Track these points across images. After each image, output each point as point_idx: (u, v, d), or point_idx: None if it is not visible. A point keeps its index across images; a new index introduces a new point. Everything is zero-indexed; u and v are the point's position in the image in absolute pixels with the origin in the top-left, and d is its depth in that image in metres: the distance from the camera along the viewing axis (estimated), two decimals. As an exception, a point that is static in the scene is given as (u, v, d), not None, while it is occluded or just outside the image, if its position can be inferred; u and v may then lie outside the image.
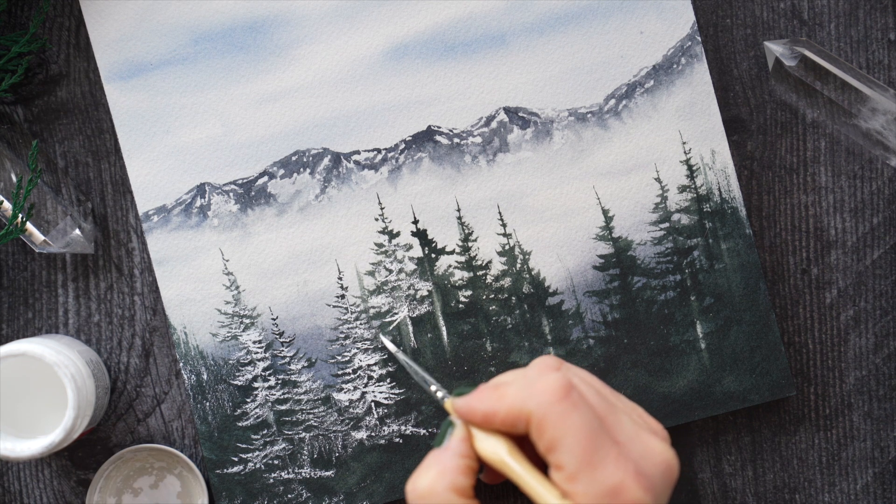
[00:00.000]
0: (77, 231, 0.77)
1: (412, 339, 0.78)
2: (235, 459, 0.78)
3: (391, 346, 0.72)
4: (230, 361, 0.78)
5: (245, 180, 0.79)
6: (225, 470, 0.78)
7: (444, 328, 0.78)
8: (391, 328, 0.78)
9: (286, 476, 0.78)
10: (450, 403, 0.63)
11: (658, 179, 0.79)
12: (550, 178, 0.79)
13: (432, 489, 0.58)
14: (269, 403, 0.78)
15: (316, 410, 0.78)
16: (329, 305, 0.78)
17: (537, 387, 0.57)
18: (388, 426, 0.78)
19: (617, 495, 0.55)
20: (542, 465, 0.62)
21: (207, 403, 0.78)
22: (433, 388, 0.68)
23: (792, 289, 0.81)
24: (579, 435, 0.55)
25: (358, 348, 0.78)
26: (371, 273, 0.78)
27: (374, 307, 0.78)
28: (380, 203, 0.79)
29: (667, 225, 0.79)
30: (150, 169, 0.78)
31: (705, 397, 0.78)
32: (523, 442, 0.61)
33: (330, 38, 0.78)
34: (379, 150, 0.79)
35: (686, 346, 0.78)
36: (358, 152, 0.79)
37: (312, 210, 0.79)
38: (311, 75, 0.78)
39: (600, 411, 0.58)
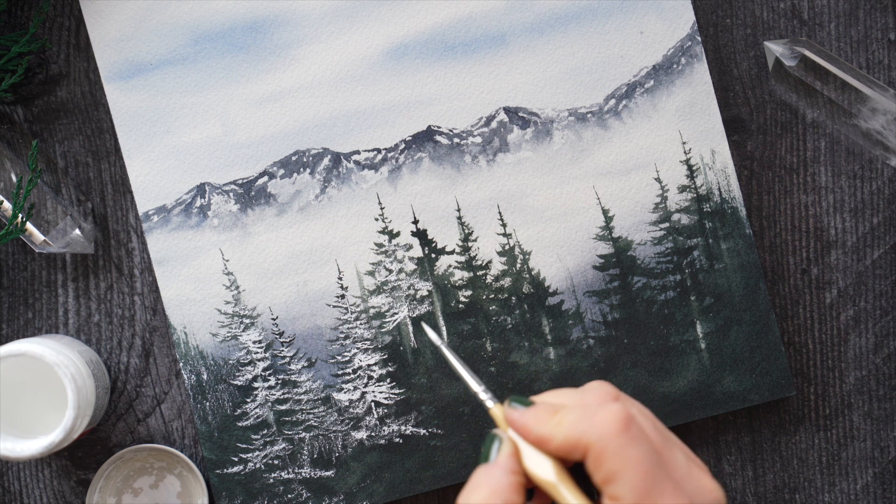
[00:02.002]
0: (77, 231, 0.77)
1: (412, 339, 0.78)
2: (235, 459, 0.78)
3: (434, 337, 0.69)
4: (230, 361, 0.78)
5: (245, 180, 0.79)
6: (225, 470, 0.78)
7: (444, 328, 0.78)
8: (391, 328, 0.78)
9: (286, 476, 0.78)
10: (498, 411, 0.61)
11: (658, 179, 0.79)
12: (550, 178, 0.79)
13: None
14: (269, 403, 0.78)
15: (316, 410, 0.78)
16: (329, 305, 0.78)
17: (598, 417, 0.57)
18: (388, 426, 0.78)
19: None
20: (582, 486, 0.61)
21: (207, 403, 0.78)
22: (479, 388, 0.65)
23: (792, 289, 0.81)
24: (639, 469, 0.55)
25: (358, 348, 0.78)
26: (371, 273, 0.78)
27: (374, 307, 0.78)
28: (380, 203, 0.79)
29: (667, 225, 0.79)
30: (150, 169, 0.78)
31: (705, 397, 0.78)
32: (568, 462, 0.61)
33: (330, 38, 0.78)
34: (379, 150, 0.79)
35: (686, 346, 0.78)
36: (358, 152, 0.79)
37: (312, 210, 0.79)
38: (311, 75, 0.78)
39: (657, 445, 0.58)
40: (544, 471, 0.58)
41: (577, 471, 0.61)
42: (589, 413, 0.57)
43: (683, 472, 0.57)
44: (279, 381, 0.78)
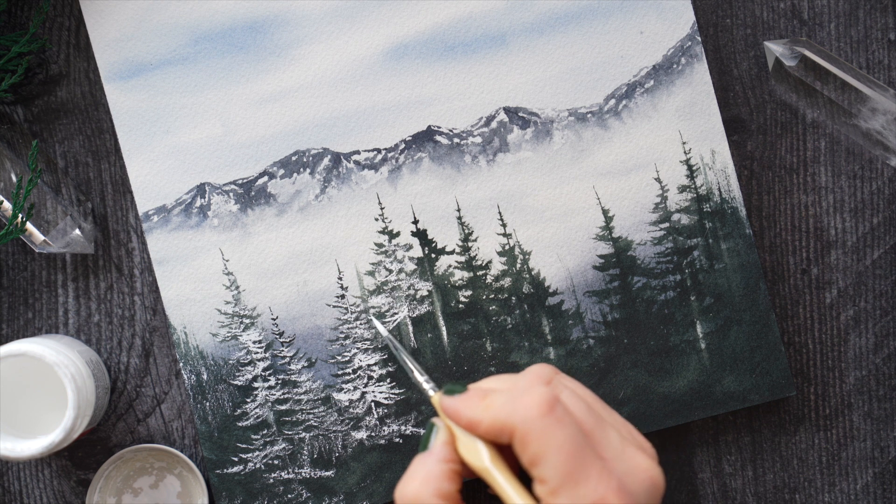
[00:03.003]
0: (77, 231, 0.77)
1: (412, 339, 0.78)
2: (235, 459, 0.78)
3: (382, 330, 0.71)
4: (230, 361, 0.78)
5: (245, 180, 0.79)
6: (225, 470, 0.78)
7: (444, 328, 0.78)
8: (391, 328, 0.78)
9: (286, 476, 0.78)
10: (436, 399, 0.63)
11: (658, 179, 0.79)
12: (550, 178, 0.79)
13: (418, 496, 0.58)
14: (269, 403, 0.78)
15: (316, 410, 0.78)
16: (329, 305, 0.78)
17: (523, 400, 0.57)
18: (388, 426, 0.78)
19: None
20: (522, 473, 0.62)
21: (207, 403, 0.78)
22: (421, 378, 0.66)
23: (792, 289, 0.81)
24: (562, 450, 0.56)
25: (358, 348, 0.78)
26: (371, 273, 0.79)
27: (374, 307, 0.78)
28: (380, 203, 0.79)
29: (667, 225, 0.79)
30: (150, 169, 0.78)
31: (705, 397, 0.78)
32: (504, 448, 0.61)
33: (330, 38, 0.78)
34: (379, 150, 0.79)
35: (686, 346, 0.78)
36: (358, 152, 0.79)
37: (312, 210, 0.79)
38: (311, 75, 0.78)
39: (587, 426, 0.58)
40: (478, 457, 0.59)
41: (514, 458, 0.61)
42: (514, 396, 0.58)
43: (616, 452, 0.57)
44: (279, 381, 0.78)
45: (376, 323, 0.72)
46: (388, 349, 0.78)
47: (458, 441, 0.60)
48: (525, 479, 0.60)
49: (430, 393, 0.65)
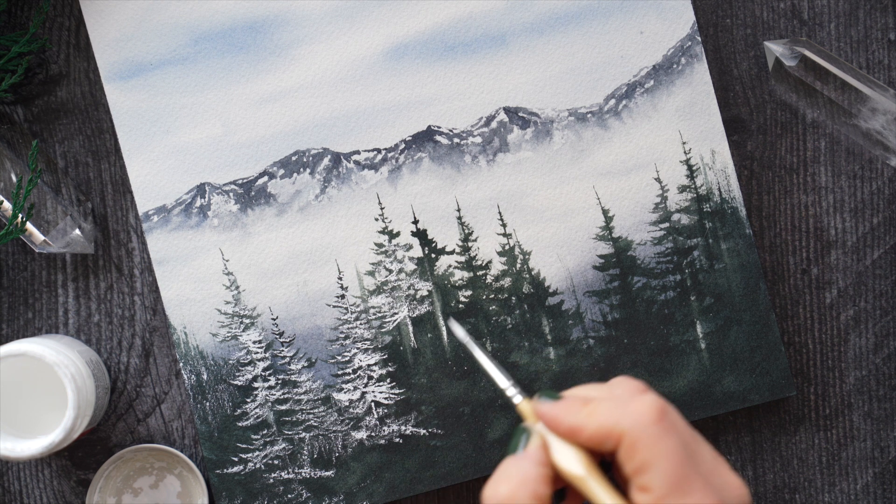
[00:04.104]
0: (77, 231, 0.77)
1: (412, 339, 0.78)
2: (235, 459, 0.78)
3: (461, 334, 0.66)
4: (230, 361, 0.78)
5: (245, 180, 0.79)
6: (225, 470, 0.78)
7: (444, 328, 0.78)
8: (391, 328, 0.78)
9: (286, 476, 0.78)
10: (526, 405, 0.61)
11: (658, 179, 0.79)
12: (550, 178, 0.79)
13: (514, 497, 0.57)
14: (269, 403, 0.78)
15: (316, 410, 0.78)
16: (329, 305, 0.78)
17: (633, 406, 0.56)
18: (388, 426, 0.78)
19: None
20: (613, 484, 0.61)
21: (207, 403, 0.78)
22: (507, 384, 0.63)
23: (792, 289, 0.81)
24: (672, 459, 0.55)
25: (358, 348, 0.78)
26: (371, 273, 0.79)
27: (374, 307, 0.78)
28: (380, 203, 0.79)
29: (667, 225, 0.79)
30: (150, 169, 0.78)
31: (705, 397, 0.78)
32: (595, 458, 0.60)
33: (330, 38, 0.78)
34: (379, 150, 0.79)
35: (686, 346, 0.78)
36: (358, 152, 0.79)
37: (312, 210, 0.79)
38: (311, 75, 0.78)
39: (688, 439, 0.57)
40: (574, 464, 0.58)
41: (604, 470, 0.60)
42: (622, 402, 0.57)
43: (711, 467, 0.57)
44: (279, 381, 0.78)
45: (456, 327, 0.68)
46: (386, 349, 0.78)
47: (552, 448, 0.59)
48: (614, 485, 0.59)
49: (517, 399, 0.62)
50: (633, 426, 0.56)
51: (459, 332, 0.66)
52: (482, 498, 0.59)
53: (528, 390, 0.77)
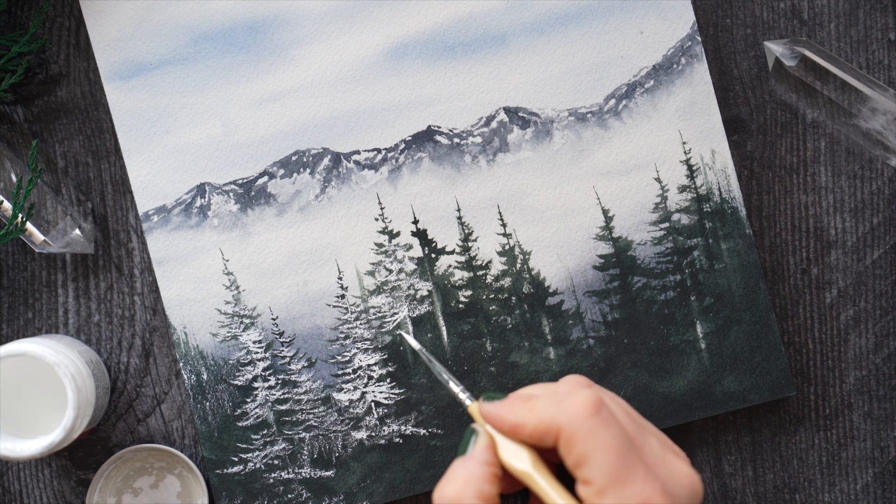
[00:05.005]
0: (77, 231, 0.77)
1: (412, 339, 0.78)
2: (235, 459, 0.78)
3: (413, 343, 0.71)
4: (230, 361, 0.78)
5: (245, 180, 0.79)
6: (225, 470, 0.78)
7: (444, 328, 0.78)
8: (391, 328, 0.78)
9: (286, 476, 0.78)
10: (475, 407, 0.63)
11: (658, 179, 0.79)
12: (550, 178, 0.79)
13: (459, 497, 0.58)
14: (269, 403, 0.78)
15: (316, 410, 0.78)
16: (329, 305, 0.78)
17: (569, 402, 0.58)
18: (388, 426, 0.78)
19: None
20: (562, 479, 0.62)
21: (207, 403, 0.78)
22: (457, 389, 0.67)
23: (792, 289, 0.81)
24: (609, 451, 0.56)
25: (358, 348, 0.78)
26: (371, 273, 0.79)
27: (374, 307, 0.78)
28: (380, 203, 0.79)
29: (667, 225, 0.79)
30: (150, 169, 0.78)
31: (705, 397, 0.78)
32: (544, 454, 0.61)
33: (330, 38, 0.78)
34: (379, 150, 0.79)
35: (686, 346, 0.78)
36: (358, 152, 0.79)
37: (312, 210, 0.79)
38: (311, 75, 0.78)
39: (629, 430, 0.58)
40: (520, 461, 0.59)
41: (560, 470, 0.62)
42: (560, 398, 0.58)
43: (657, 457, 0.58)
44: (279, 381, 0.78)
45: (407, 337, 0.72)
46: (386, 349, 0.78)
47: (499, 446, 0.61)
48: (566, 484, 0.60)
49: (468, 402, 0.65)
50: (570, 420, 0.57)
51: (412, 341, 0.71)
52: (432, 499, 0.60)
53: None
